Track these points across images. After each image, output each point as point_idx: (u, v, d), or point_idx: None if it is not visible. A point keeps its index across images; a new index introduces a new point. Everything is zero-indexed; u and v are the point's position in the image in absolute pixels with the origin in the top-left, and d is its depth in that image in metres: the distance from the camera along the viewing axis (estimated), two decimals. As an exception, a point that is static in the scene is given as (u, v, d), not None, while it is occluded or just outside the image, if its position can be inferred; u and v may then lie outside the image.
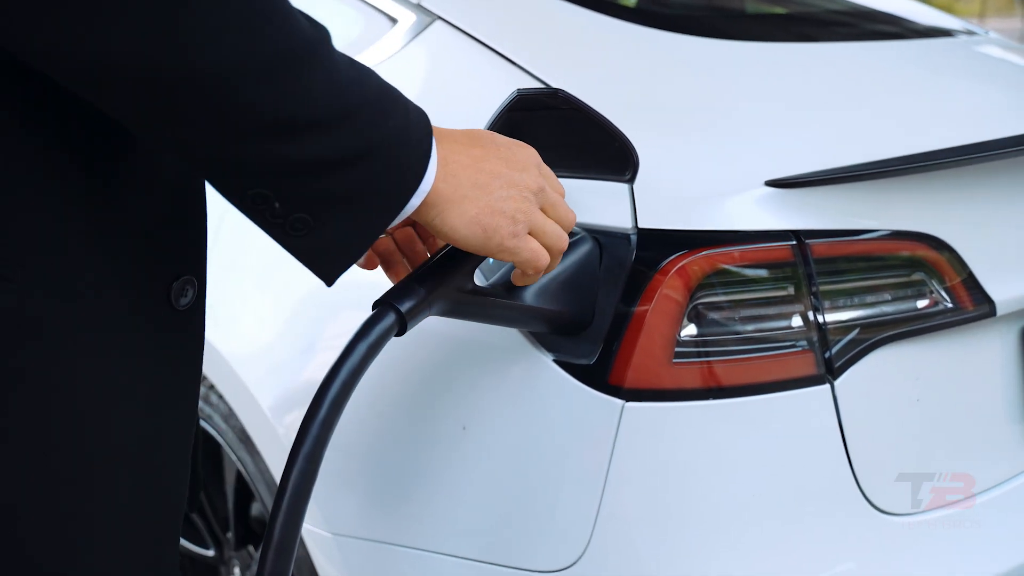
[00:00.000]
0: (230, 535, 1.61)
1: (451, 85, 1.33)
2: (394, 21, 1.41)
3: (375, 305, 0.83)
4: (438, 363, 1.14)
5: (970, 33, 1.90)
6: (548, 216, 0.86)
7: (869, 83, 1.43)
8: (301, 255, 0.73)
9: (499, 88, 1.08)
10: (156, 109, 0.64)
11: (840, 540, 1.10)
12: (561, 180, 1.06)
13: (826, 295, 1.09)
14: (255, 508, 1.59)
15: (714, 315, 1.05)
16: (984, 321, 1.19)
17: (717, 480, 1.06)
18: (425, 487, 1.15)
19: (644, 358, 1.03)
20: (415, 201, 0.76)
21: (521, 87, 1.00)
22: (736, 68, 1.37)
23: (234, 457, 1.46)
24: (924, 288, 1.15)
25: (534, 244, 0.84)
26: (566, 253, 1.01)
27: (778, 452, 1.07)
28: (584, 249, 1.03)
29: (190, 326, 0.80)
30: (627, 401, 1.03)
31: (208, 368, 1.35)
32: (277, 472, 1.34)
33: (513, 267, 0.92)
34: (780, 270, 1.07)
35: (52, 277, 0.69)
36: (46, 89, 0.66)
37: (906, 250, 1.15)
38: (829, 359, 1.08)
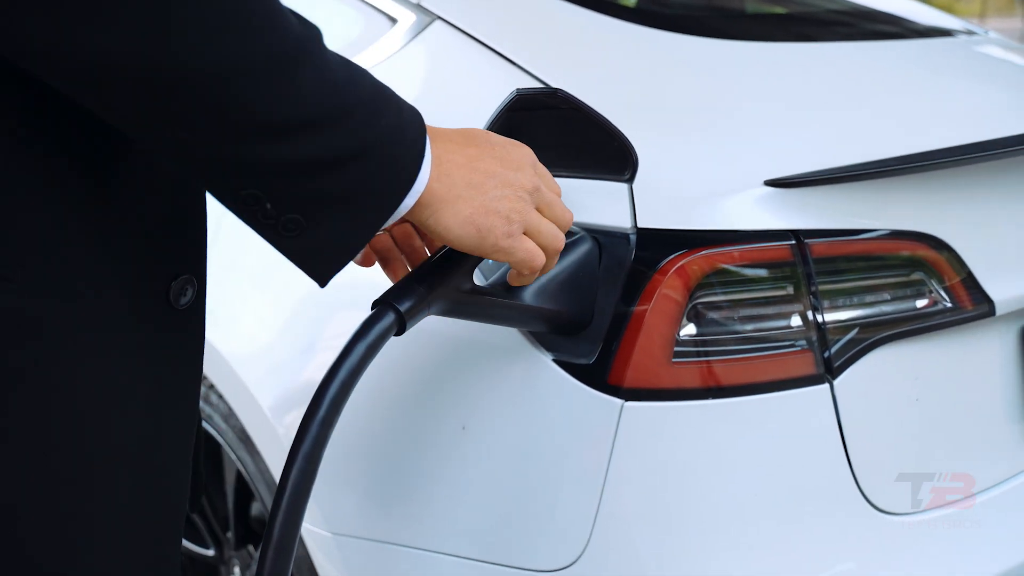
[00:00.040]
0: (230, 535, 1.61)
1: (451, 85, 1.33)
2: (394, 21, 1.41)
3: (374, 305, 0.83)
4: (437, 363, 1.14)
5: (970, 33, 1.90)
6: (544, 216, 0.85)
7: (868, 83, 1.43)
8: (293, 256, 0.73)
9: (499, 88, 1.08)
10: (149, 110, 0.64)
11: (839, 540, 1.10)
12: (560, 180, 1.06)
13: (825, 295, 1.09)
14: (255, 508, 1.59)
15: (713, 315, 1.05)
16: (983, 321, 1.19)
17: (716, 479, 1.06)
18: (425, 486, 1.15)
19: (643, 358, 1.03)
20: (409, 201, 0.75)
21: (520, 87, 1.00)
22: (736, 68, 1.37)
23: (234, 457, 1.46)
24: (923, 288, 1.16)
25: (529, 244, 0.83)
26: (565, 253, 1.01)
27: (777, 452, 1.07)
28: (583, 249, 1.03)
29: (190, 325, 0.80)
30: (626, 401, 1.03)
31: (208, 368, 1.35)
32: (277, 472, 1.34)
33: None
34: (779, 270, 1.07)
35: (52, 277, 0.69)
36: (44, 95, 0.66)
37: (905, 250, 1.15)
38: (828, 359, 1.08)
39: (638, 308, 1.03)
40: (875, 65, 1.51)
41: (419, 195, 0.76)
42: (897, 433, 1.15)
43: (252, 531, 1.60)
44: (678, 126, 1.19)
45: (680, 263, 1.03)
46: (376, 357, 0.81)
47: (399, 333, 0.83)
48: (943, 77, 1.57)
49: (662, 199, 1.07)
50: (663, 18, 1.58)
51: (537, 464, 1.08)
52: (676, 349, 1.03)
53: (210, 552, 1.66)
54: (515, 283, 0.91)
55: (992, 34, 2.00)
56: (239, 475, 1.52)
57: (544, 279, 0.98)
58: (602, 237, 1.06)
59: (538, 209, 0.84)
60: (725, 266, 1.05)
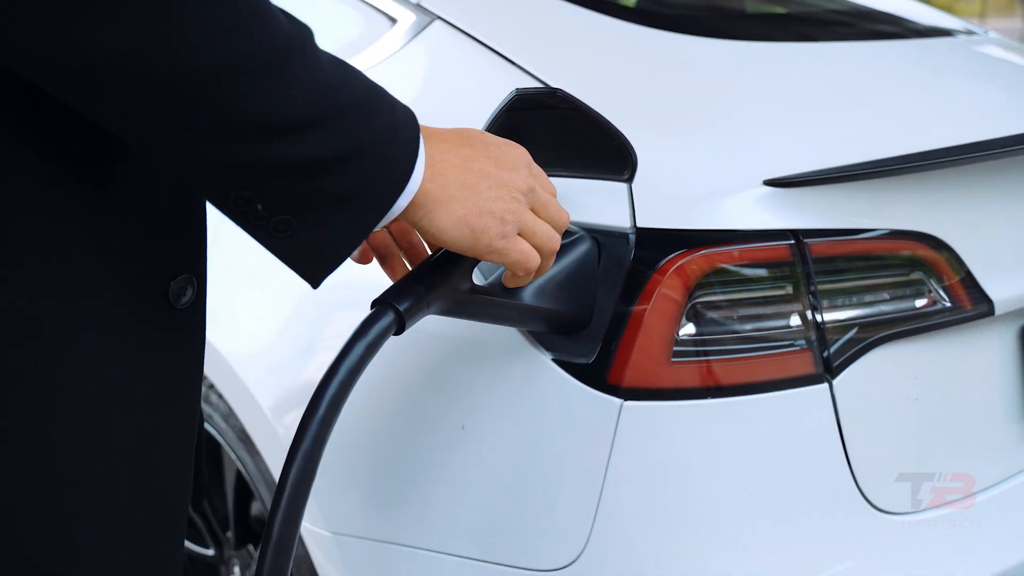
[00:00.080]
0: (230, 534, 1.61)
1: (450, 85, 1.33)
2: (393, 21, 1.41)
3: (373, 304, 0.83)
4: (437, 362, 1.14)
5: (970, 33, 1.90)
6: (539, 216, 0.85)
7: (868, 83, 1.43)
8: (286, 257, 0.72)
9: (498, 88, 1.08)
10: (141, 111, 0.64)
11: (838, 539, 1.10)
12: (559, 179, 1.06)
13: (824, 294, 1.09)
14: (255, 507, 1.59)
15: (712, 314, 1.05)
16: (982, 320, 1.19)
17: (715, 479, 1.06)
18: (424, 486, 1.15)
19: (642, 357, 1.03)
20: (402, 202, 0.75)
21: (520, 86, 1.00)
22: (735, 68, 1.37)
23: (234, 456, 1.46)
24: (922, 287, 1.16)
25: (524, 245, 0.83)
26: (564, 252, 1.01)
27: (776, 451, 1.07)
28: (583, 248, 1.04)
29: (190, 325, 0.80)
30: (625, 400, 1.03)
31: (208, 367, 1.35)
32: (277, 471, 1.34)
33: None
34: (778, 269, 1.07)
35: (51, 277, 0.68)
36: (42, 98, 0.65)
37: (905, 249, 1.15)
38: (827, 358, 1.08)
39: (637, 308, 1.03)
40: (874, 65, 1.51)
41: (413, 195, 0.75)
42: (896, 433, 1.15)
43: (252, 531, 1.60)
44: (677, 126, 1.20)
45: (679, 263, 1.03)
46: (375, 357, 0.81)
47: (398, 332, 0.83)
48: (942, 77, 1.57)
49: (661, 199, 1.07)
50: (663, 18, 1.58)
51: (536, 463, 1.08)
52: (675, 349, 1.03)
53: (210, 552, 1.66)
54: (510, 284, 0.91)
55: (992, 34, 2.01)
56: (239, 475, 1.52)
57: (543, 279, 0.98)
58: (601, 237, 1.06)
59: (533, 210, 0.84)
60: (724, 266, 1.05)
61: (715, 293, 1.05)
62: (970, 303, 1.17)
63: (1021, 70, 1.72)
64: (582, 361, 1.05)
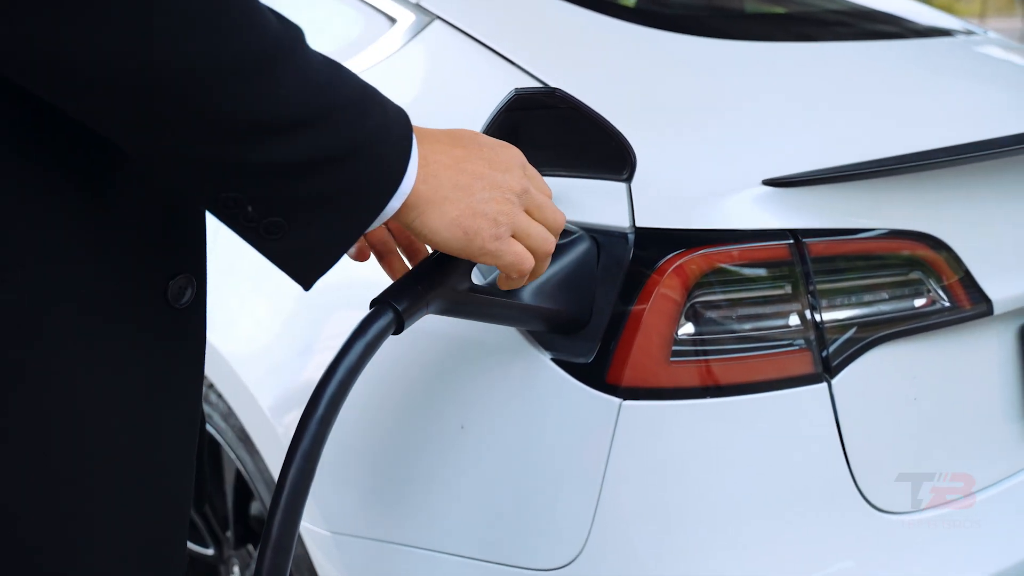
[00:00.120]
0: (229, 534, 1.61)
1: (450, 84, 1.33)
2: (393, 21, 1.41)
3: (372, 304, 0.83)
4: (436, 362, 1.15)
5: (969, 33, 1.90)
6: (534, 218, 0.84)
7: (867, 83, 1.43)
8: (276, 259, 0.72)
9: (497, 87, 1.08)
10: (123, 112, 0.63)
11: (837, 538, 1.10)
12: (558, 179, 1.06)
13: (823, 294, 1.09)
14: (254, 507, 1.59)
15: (711, 314, 1.05)
16: (981, 320, 1.19)
17: (714, 478, 1.06)
18: (423, 486, 1.15)
19: (641, 357, 1.03)
20: (395, 203, 0.74)
21: (519, 86, 1.01)
22: (734, 68, 1.37)
23: (233, 456, 1.46)
24: (921, 287, 1.16)
25: (517, 247, 0.82)
26: (563, 252, 1.02)
27: (775, 451, 1.07)
28: (582, 248, 1.04)
29: (190, 325, 0.79)
30: (624, 400, 1.03)
31: (207, 367, 1.34)
32: (276, 471, 1.34)
33: None
34: (777, 269, 1.07)
35: (49, 277, 0.68)
36: (42, 104, 0.65)
37: (903, 249, 1.15)
38: (826, 358, 1.08)
39: (636, 307, 1.03)
40: (873, 65, 1.51)
41: (405, 197, 0.74)
42: (895, 432, 1.15)
43: (251, 530, 1.60)
44: (676, 126, 1.20)
45: (678, 262, 1.03)
46: (375, 356, 0.81)
47: (397, 332, 0.83)
48: (941, 77, 1.57)
49: (660, 198, 1.07)
50: (662, 18, 1.58)
51: (535, 463, 1.08)
52: (674, 348, 1.04)
53: (209, 551, 1.66)
54: (504, 287, 0.89)
55: (991, 34, 2.01)
56: (238, 474, 1.52)
57: (542, 278, 0.98)
58: (600, 236, 1.06)
59: (527, 211, 0.83)
60: (723, 265, 1.05)
61: (714, 293, 1.05)
62: (969, 303, 1.18)
63: (1020, 70, 1.72)
64: (581, 361, 1.05)
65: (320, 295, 1.27)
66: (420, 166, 0.75)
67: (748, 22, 1.83)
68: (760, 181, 1.07)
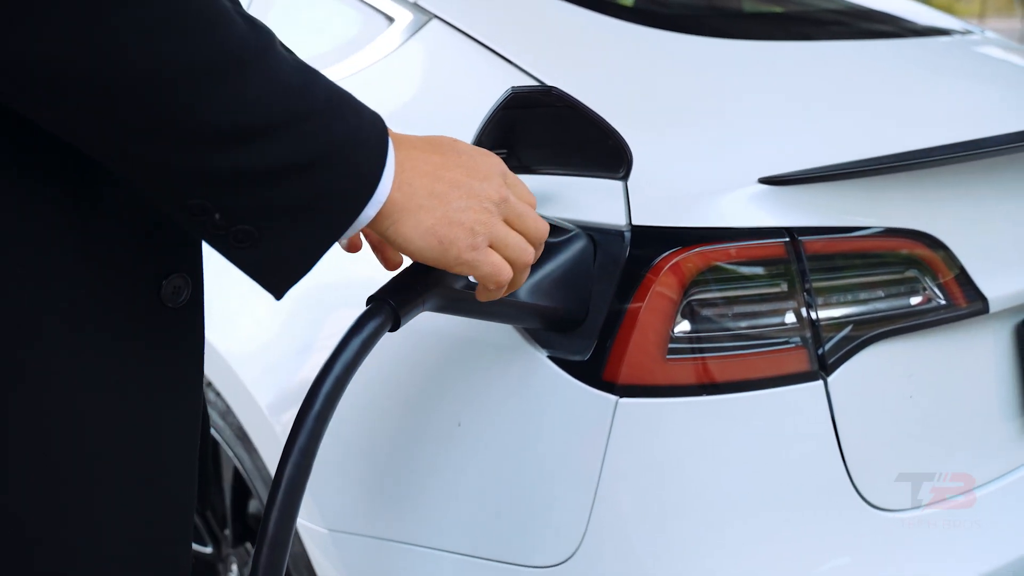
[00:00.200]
0: (228, 532, 1.61)
1: (447, 83, 1.33)
2: (391, 20, 1.42)
3: (369, 300, 0.83)
4: (433, 359, 1.15)
5: (967, 33, 1.90)
6: (513, 228, 0.81)
7: (864, 81, 1.43)
8: (246, 268, 0.70)
9: (495, 86, 1.09)
10: (82, 114, 0.62)
11: (834, 536, 1.10)
12: (555, 177, 1.07)
13: (819, 292, 1.09)
14: (252, 505, 1.59)
15: (708, 312, 1.05)
16: (977, 318, 1.20)
17: (710, 476, 1.06)
18: (420, 483, 1.15)
19: (638, 354, 1.03)
20: (370, 212, 0.72)
21: (516, 85, 1.01)
22: (731, 66, 1.37)
23: (231, 454, 1.47)
24: (917, 285, 1.16)
25: (494, 258, 0.79)
26: (560, 250, 1.02)
27: (771, 448, 1.08)
28: (578, 246, 1.04)
29: (187, 324, 0.79)
30: (621, 397, 1.04)
31: (206, 366, 1.35)
32: (274, 469, 1.34)
33: None
34: (774, 267, 1.07)
35: (43, 277, 0.68)
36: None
37: (899, 247, 1.15)
38: (822, 356, 1.08)
39: (633, 305, 1.03)
40: (871, 64, 1.51)
41: (381, 205, 0.72)
42: (891, 430, 1.15)
43: (249, 528, 1.60)
44: (673, 124, 1.20)
45: (674, 260, 1.04)
46: (372, 353, 0.81)
47: (394, 329, 0.83)
48: (938, 75, 1.57)
49: (657, 197, 1.07)
50: (660, 17, 1.58)
51: (532, 460, 1.08)
52: (670, 346, 1.04)
53: (208, 549, 1.66)
54: (482, 298, 0.86)
55: (989, 33, 2.01)
56: (236, 472, 1.52)
57: (539, 276, 0.98)
58: (597, 234, 1.06)
59: (507, 221, 0.81)
60: (719, 263, 1.05)
61: (710, 291, 1.05)
62: (965, 301, 1.18)
63: (1017, 69, 1.72)
64: (578, 358, 1.05)
65: (318, 294, 1.27)
66: (396, 173, 0.74)
67: (746, 21, 1.83)
68: (756, 179, 1.08)
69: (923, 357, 1.17)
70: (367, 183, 0.72)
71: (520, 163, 1.01)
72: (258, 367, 1.37)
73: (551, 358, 1.06)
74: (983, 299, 1.19)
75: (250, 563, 0.77)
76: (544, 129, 1.01)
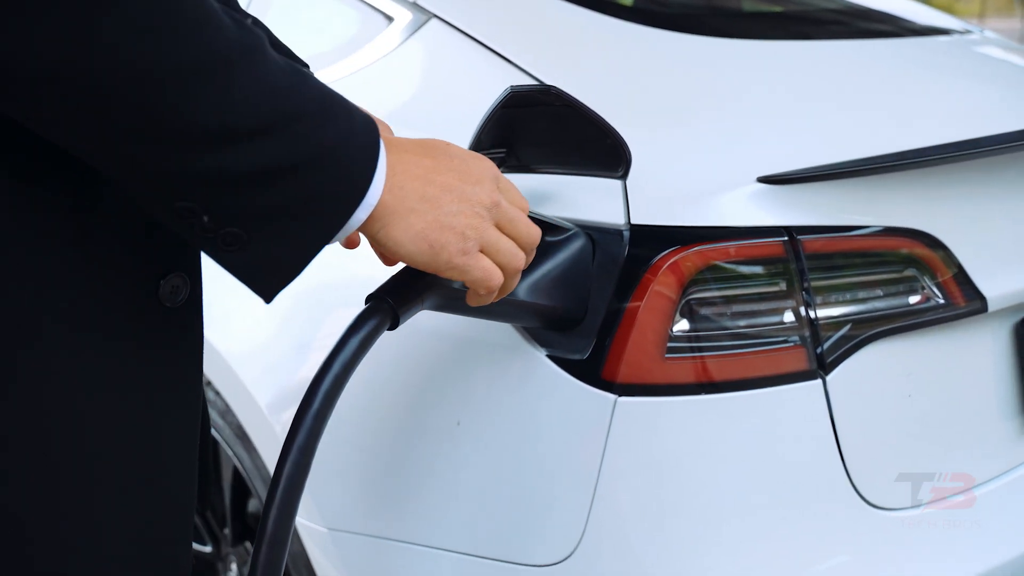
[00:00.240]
0: (227, 531, 1.61)
1: (446, 82, 1.34)
2: (390, 19, 1.42)
3: (368, 299, 0.83)
4: (432, 358, 1.15)
5: (966, 32, 1.90)
6: (505, 233, 0.81)
7: (863, 80, 1.43)
8: (235, 271, 0.69)
9: (494, 85, 1.09)
10: (69, 116, 0.61)
11: (832, 534, 1.11)
12: (554, 176, 1.07)
13: (818, 291, 1.09)
14: (252, 504, 1.59)
15: (706, 311, 1.05)
16: (976, 317, 1.20)
17: (709, 474, 1.06)
18: (420, 482, 1.15)
19: (636, 353, 1.03)
20: (360, 215, 0.71)
21: (514, 84, 1.01)
22: (731, 66, 1.37)
23: (231, 453, 1.47)
24: (916, 284, 1.16)
25: (485, 263, 0.79)
26: (559, 249, 1.02)
27: (770, 447, 1.08)
28: (577, 245, 1.04)
29: (185, 324, 0.79)
30: (619, 396, 1.04)
31: (205, 365, 1.35)
32: (273, 468, 1.34)
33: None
34: (772, 266, 1.08)
35: (45, 278, 0.68)
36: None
37: (898, 246, 1.15)
38: (821, 355, 1.08)
39: (631, 304, 1.04)
40: (869, 63, 1.51)
41: (372, 208, 0.72)
42: (890, 429, 1.15)
43: (249, 527, 1.60)
44: (672, 123, 1.20)
45: (673, 259, 1.04)
46: (371, 352, 0.81)
47: (392, 327, 0.83)
48: (937, 74, 1.57)
49: (656, 196, 1.07)
50: (659, 16, 1.58)
51: (531, 459, 1.08)
52: (669, 345, 1.04)
53: (207, 548, 1.66)
54: (473, 303, 0.85)
55: (988, 33, 2.01)
56: (236, 471, 1.52)
57: (538, 275, 0.98)
58: (596, 233, 1.06)
59: (498, 226, 0.80)
60: (718, 262, 1.05)
61: (709, 289, 1.05)
62: (963, 300, 1.18)
63: (1016, 69, 1.72)
64: (576, 357, 1.05)
65: (318, 293, 1.28)
66: (387, 176, 0.73)
67: (745, 20, 1.83)
68: (755, 178, 1.08)
69: (922, 356, 1.17)
70: (358, 186, 0.71)
71: (519, 162, 1.02)
72: (257, 366, 1.37)
73: (550, 357, 1.06)
74: (982, 298, 1.19)
75: (249, 561, 0.77)
76: (543, 128, 1.01)
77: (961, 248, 1.18)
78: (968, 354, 1.23)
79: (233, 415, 1.42)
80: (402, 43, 1.38)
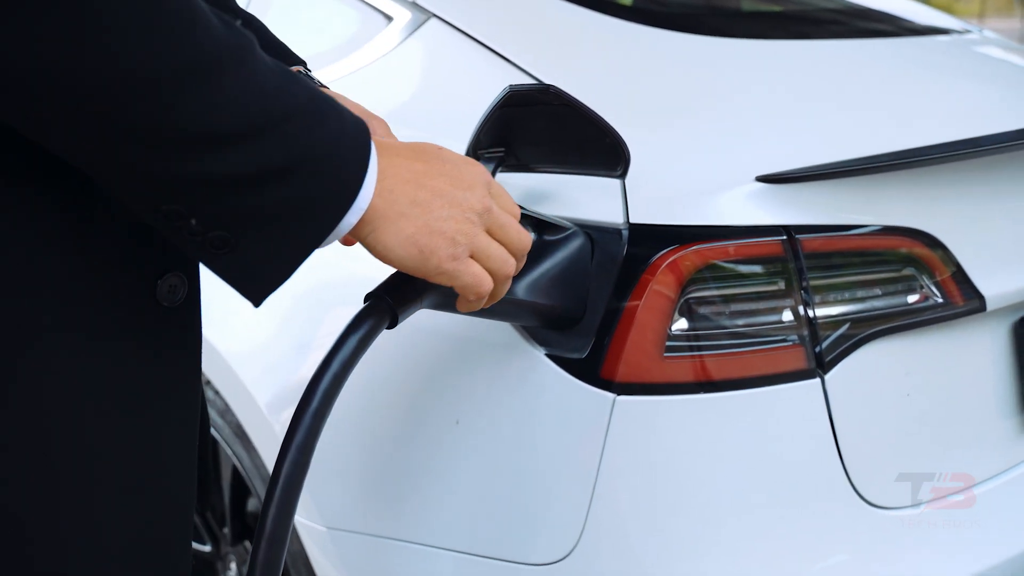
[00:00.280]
0: (226, 530, 1.61)
1: (446, 82, 1.34)
2: (389, 19, 1.42)
3: (367, 298, 0.83)
4: (431, 357, 1.15)
5: (965, 32, 1.90)
6: (495, 238, 0.80)
7: (861, 80, 1.43)
8: (224, 274, 0.69)
9: (493, 85, 1.09)
10: (57, 118, 0.61)
11: (831, 533, 1.11)
12: (553, 176, 1.07)
13: (816, 290, 1.09)
14: (251, 503, 1.59)
15: (705, 310, 1.05)
16: (974, 316, 1.20)
17: (708, 473, 1.06)
18: (419, 481, 1.15)
19: (635, 352, 1.03)
20: (351, 219, 0.71)
21: (514, 83, 1.01)
22: (730, 65, 1.37)
23: (230, 453, 1.47)
24: (914, 283, 1.16)
25: (475, 268, 0.78)
26: (558, 248, 1.02)
27: (769, 446, 1.08)
28: (576, 244, 1.04)
29: (184, 324, 0.78)
30: (618, 395, 1.04)
31: (205, 365, 1.35)
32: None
33: None
34: (771, 265, 1.08)
35: (43, 279, 0.68)
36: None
37: (897, 245, 1.15)
38: (819, 353, 1.08)
39: (630, 303, 1.04)
40: (868, 62, 1.51)
41: (363, 212, 0.71)
42: (888, 427, 1.15)
43: (248, 527, 1.60)
44: (671, 122, 1.20)
45: (672, 258, 1.04)
46: (370, 351, 0.81)
47: (391, 326, 0.83)
48: (936, 74, 1.57)
49: (654, 195, 1.07)
50: (658, 16, 1.59)
51: (530, 458, 1.08)
52: (668, 344, 1.04)
53: (206, 548, 1.66)
54: (463, 309, 0.85)
55: (988, 33, 2.01)
56: (235, 471, 1.52)
57: (537, 274, 0.98)
58: (595, 232, 1.06)
59: (489, 231, 0.80)
60: (717, 261, 1.06)
61: (708, 289, 1.05)
62: (961, 299, 1.18)
63: (1015, 69, 1.72)
64: (575, 356, 1.05)
65: (317, 292, 1.28)
66: (378, 179, 0.72)
67: (744, 20, 1.83)
68: (754, 177, 1.08)
69: (920, 355, 1.17)
70: (348, 189, 0.70)
71: (518, 161, 1.02)
72: (257, 366, 1.37)
73: (549, 356, 1.07)
74: (980, 297, 1.19)
75: (248, 560, 0.77)
76: (542, 127, 1.01)
77: (960, 247, 1.18)
78: (967, 353, 1.23)
79: (232, 414, 1.43)
80: (401, 42, 1.38)
